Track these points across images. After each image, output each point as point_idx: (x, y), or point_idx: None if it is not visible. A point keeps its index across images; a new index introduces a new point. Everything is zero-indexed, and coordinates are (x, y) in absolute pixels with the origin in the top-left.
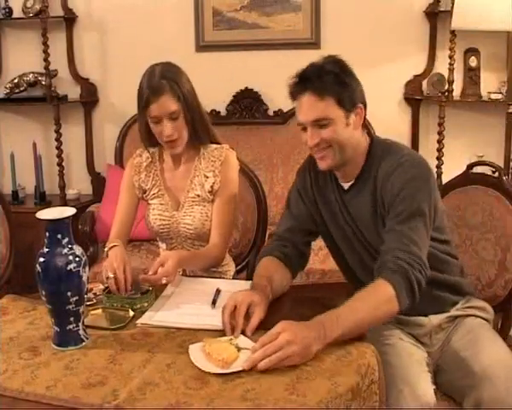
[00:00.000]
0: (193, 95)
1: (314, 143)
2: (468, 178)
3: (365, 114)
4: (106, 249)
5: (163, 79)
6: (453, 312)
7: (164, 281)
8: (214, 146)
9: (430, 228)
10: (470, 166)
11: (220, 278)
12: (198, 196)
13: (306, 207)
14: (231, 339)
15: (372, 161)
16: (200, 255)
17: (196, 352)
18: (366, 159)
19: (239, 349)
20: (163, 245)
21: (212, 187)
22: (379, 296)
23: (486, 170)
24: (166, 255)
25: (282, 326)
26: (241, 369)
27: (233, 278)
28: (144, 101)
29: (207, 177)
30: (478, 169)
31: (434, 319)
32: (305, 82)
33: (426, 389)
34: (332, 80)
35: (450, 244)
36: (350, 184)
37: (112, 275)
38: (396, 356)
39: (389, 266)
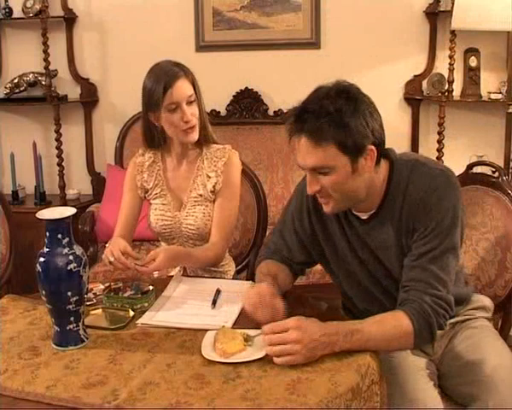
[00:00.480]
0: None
1: (313, 192)
2: (468, 179)
3: (380, 152)
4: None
5: (175, 67)
6: (454, 318)
7: (156, 275)
8: (217, 146)
9: (459, 256)
10: (470, 167)
11: (220, 277)
12: (200, 195)
13: (299, 240)
14: (244, 332)
15: (397, 185)
16: (196, 253)
17: (209, 338)
18: (387, 186)
19: (249, 341)
20: (164, 245)
21: (214, 187)
22: (398, 329)
23: (487, 170)
24: (158, 251)
25: (295, 322)
26: (239, 361)
27: (233, 278)
28: (163, 88)
29: (210, 177)
30: (478, 169)
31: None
32: (302, 123)
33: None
34: (332, 124)
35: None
36: (370, 214)
37: (112, 259)
38: (400, 369)
39: (414, 307)
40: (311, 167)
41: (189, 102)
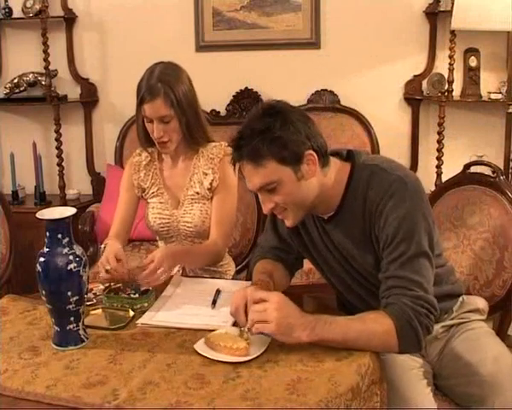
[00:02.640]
0: (190, 98)
1: (269, 210)
2: (465, 178)
3: (321, 155)
4: (102, 247)
5: (159, 83)
6: (448, 321)
7: (162, 278)
8: (213, 144)
9: (433, 259)
10: (467, 166)
11: (220, 278)
12: (197, 193)
13: (287, 233)
14: (226, 331)
15: (356, 187)
16: (196, 251)
17: (205, 348)
18: (347, 187)
19: (245, 336)
20: (162, 244)
21: (211, 184)
22: (378, 326)
23: (485, 170)
24: (154, 252)
25: (277, 294)
26: (239, 361)
27: (233, 278)
28: (139, 98)
29: (206, 174)
30: (477, 169)
31: None
32: (240, 150)
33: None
34: (265, 141)
35: (441, 256)
36: (330, 214)
37: (108, 267)
38: (391, 367)
39: (394, 308)
40: (259, 187)
41: (163, 122)
